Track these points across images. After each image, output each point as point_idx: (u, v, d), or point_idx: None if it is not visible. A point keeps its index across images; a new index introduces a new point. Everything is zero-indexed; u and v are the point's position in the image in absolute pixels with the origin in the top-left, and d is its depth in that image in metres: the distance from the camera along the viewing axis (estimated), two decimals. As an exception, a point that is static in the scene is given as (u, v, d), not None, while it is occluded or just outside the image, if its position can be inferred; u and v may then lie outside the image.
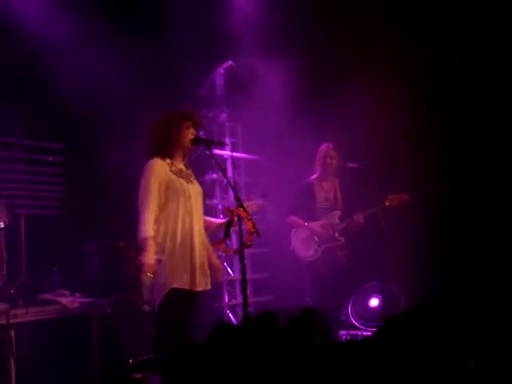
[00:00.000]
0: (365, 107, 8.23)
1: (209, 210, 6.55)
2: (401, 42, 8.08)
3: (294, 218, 7.11)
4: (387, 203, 6.97)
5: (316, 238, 7.05)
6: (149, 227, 5.07)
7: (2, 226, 6.38)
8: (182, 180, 5.29)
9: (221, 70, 8.75)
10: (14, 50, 7.47)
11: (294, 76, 8.00)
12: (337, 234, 7.04)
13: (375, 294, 8.23)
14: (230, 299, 8.75)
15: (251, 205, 5.68)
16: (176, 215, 5.20)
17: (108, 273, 7.38)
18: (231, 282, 8.84)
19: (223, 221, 5.83)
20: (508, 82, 7.91)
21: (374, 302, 8.26)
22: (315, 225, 7.09)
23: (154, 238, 5.10)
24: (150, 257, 5.02)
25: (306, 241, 7.09)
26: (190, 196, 5.29)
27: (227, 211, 5.38)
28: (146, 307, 5.07)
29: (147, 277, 5.00)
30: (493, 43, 7.91)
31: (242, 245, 5.19)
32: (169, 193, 5.20)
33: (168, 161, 5.29)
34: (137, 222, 5.10)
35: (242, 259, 5.29)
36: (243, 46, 8.25)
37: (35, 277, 7.29)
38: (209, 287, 5.40)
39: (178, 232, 5.18)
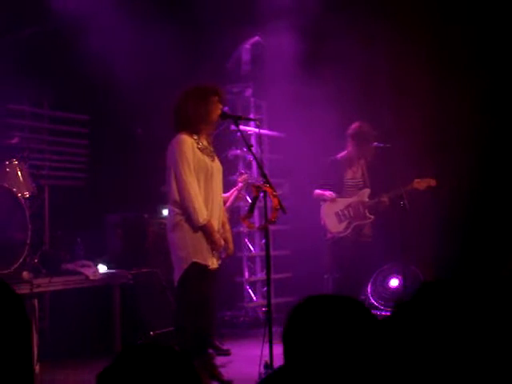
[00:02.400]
0: (392, 84, 8.18)
1: (231, 186, 6.56)
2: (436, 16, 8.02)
3: (321, 192, 7.05)
4: (414, 186, 6.92)
5: (350, 212, 7.00)
6: (204, 211, 5.16)
7: (28, 195, 6.42)
8: (206, 157, 5.30)
9: (247, 46, 8.71)
10: (42, 22, 7.48)
11: (321, 54, 7.96)
12: (367, 212, 7.01)
13: (395, 275, 8.22)
14: (250, 275, 8.78)
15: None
16: (200, 192, 5.23)
17: (131, 245, 7.42)
18: (251, 258, 8.86)
19: (235, 193, 5.90)
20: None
21: (394, 283, 8.25)
22: (348, 200, 7.05)
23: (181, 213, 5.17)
24: (218, 237, 5.21)
25: (337, 215, 7.04)
26: (212, 174, 5.31)
27: (253, 187, 5.38)
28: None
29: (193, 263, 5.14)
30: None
31: (267, 221, 5.19)
32: (194, 170, 5.21)
33: (195, 137, 5.30)
34: (185, 204, 5.14)
35: (266, 235, 5.32)
36: (270, 22, 8.19)
37: (58, 247, 7.35)
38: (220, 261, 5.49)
39: (203, 209, 5.24)
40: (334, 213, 7.05)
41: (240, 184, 6.39)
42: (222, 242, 5.28)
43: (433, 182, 7.01)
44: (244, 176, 6.47)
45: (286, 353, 1.88)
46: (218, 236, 5.20)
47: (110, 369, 1.59)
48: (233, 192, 6.39)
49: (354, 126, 7.05)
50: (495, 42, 7.95)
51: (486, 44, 7.91)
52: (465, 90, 7.90)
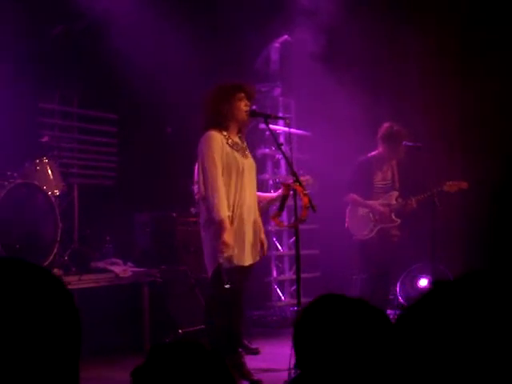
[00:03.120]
0: (422, 84, 8.13)
1: (259, 185, 6.54)
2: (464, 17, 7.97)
3: (354, 196, 6.98)
4: (445, 188, 6.86)
5: (373, 216, 6.95)
6: (224, 207, 5.10)
7: (58, 193, 6.47)
8: (236, 154, 5.29)
9: (276, 45, 8.70)
10: (73, 20, 7.53)
11: (350, 53, 7.93)
12: (393, 215, 6.95)
13: (425, 275, 8.16)
14: (278, 274, 8.76)
15: (307, 180, 5.63)
16: (228, 189, 5.21)
17: (159, 243, 7.44)
18: (280, 258, 8.85)
19: (274, 195, 5.81)
20: None
21: (423, 283, 8.19)
22: (375, 203, 6.98)
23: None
24: (230, 237, 5.08)
25: (361, 219, 6.99)
26: (243, 170, 5.29)
27: (283, 185, 5.36)
28: (227, 286, 5.10)
29: (225, 256, 5.06)
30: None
31: (297, 219, 5.17)
32: (223, 166, 5.21)
33: (225, 133, 5.29)
34: (208, 199, 5.12)
35: (296, 234, 5.27)
36: (298, 20, 8.17)
37: (87, 245, 7.40)
38: (257, 259, 5.43)
39: (231, 205, 5.20)
40: (358, 216, 7.01)
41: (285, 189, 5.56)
42: (232, 245, 5.12)
43: (464, 185, 6.94)
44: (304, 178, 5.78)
45: (297, 352, 1.86)
46: (228, 238, 5.06)
47: (145, 366, 1.58)
48: (273, 195, 6.23)
49: (385, 126, 6.95)
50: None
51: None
52: (494, 90, 7.82)
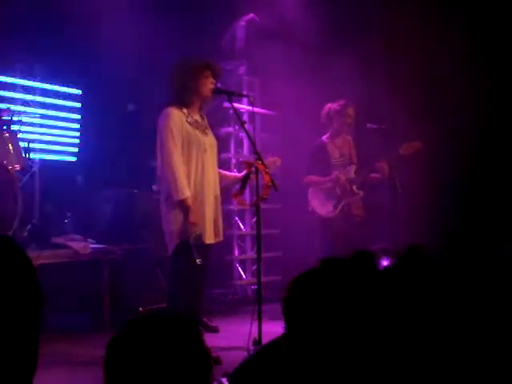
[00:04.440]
0: (387, 64, 8.14)
1: (222, 164, 6.53)
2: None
3: (311, 178, 7.04)
4: (401, 152, 6.84)
5: (338, 191, 6.97)
6: (185, 186, 5.08)
7: (18, 168, 6.40)
8: (197, 132, 5.26)
9: (242, 23, 8.66)
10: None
11: (316, 34, 7.91)
12: (354, 188, 6.99)
13: (384, 256, 8.22)
14: (240, 253, 8.79)
15: (275, 161, 5.59)
16: (189, 167, 5.18)
17: (121, 220, 7.40)
18: (242, 237, 8.87)
19: (240, 175, 5.79)
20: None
21: (383, 263, 8.25)
22: (333, 174, 7.02)
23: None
24: (194, 216, 5.08)
25: (324, 198, 7.03)
26: (205, 149, 5.27)
27: (245, 164, 5.35)
28: (199, 261, 5.09)
29: (193, 236, 5.05)
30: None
31: (259, 198, 5.16)
32: (183, 144, 5.18)
33: (184, 110, 5.25)
34: (167, 179, 5.10)
35: (257, 212, 5.27)
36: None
37: (48, 221, 7.34)
38: (220, 239, 5.42)
39: (192, 184, 5.18)
40: (321, 194, 7.05)
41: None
42: (197, 223, 5.12)
43: (418, 145, 6.88)
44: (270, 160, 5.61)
45: (287, 317, 1.85)
46: (192, 217, 5.07)
47: (120, 337, 1.59)
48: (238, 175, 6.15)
49: (338, 104, 7.06)
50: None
51: (484, 25, 7.83)
52: (457, 55, 7.80)
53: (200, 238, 5.13)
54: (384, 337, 1.48)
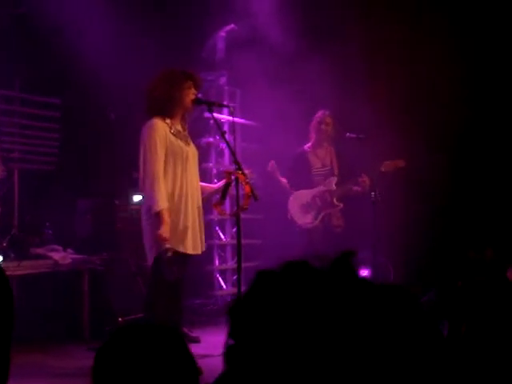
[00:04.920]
0: (367, 74, 8.18)
1: (203, 174, 6.52)
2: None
3: (283, 182, 7.12)
4: (383, 169, 6.91)
5: (318, 202, 7.00)
6: (163, 198, 5.05)
7: (-3, 178, 6.37)
8: (180, 142, 5.27)
9: (222, 33, 8.68)
10: (14, 3, 7.39)
11: (296, 44, 7.95)
12: (335, 200, 7.03)
13: (365, 265, 8.24)
14: (220, 263, 8.77)
15: (250, 173, 5.58)
16: (173, 178, 5.18)
17: (100, 230, 7.37)
18: (222, 247, 8.86)
19: (219, 185, 5.78)
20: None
21: (363, 273, 8.29)
22: (314, 190, 7.06)
23: None
24: (166, 230, 5.02)
25: (304, 207, 7.06)
26: (187, 158, 5.28)
27: (226, 173, 5.35)
28: (169, 276, 5.07)
29: (166, 249, 5.02)
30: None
31: (239, 208, 5.16)
32: (167, 155, 5.17)
33: (168, 121, 5.26)
34: (146, 189, 5.09)
35: (238, 223, 5.27)
36: (246, 10, 8.17)
37: (27, 231, 7.29)
38: (199, 252, 5.40)
39: (175, 195, 5.17)
40: (300, 204, 7.08)
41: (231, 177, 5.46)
42: (167, 238, 5.05)
43: (401, 163, 6.99)
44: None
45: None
46: (164, 231, 5.00)
47: (108, 346, 1.58)
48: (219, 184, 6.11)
49: (317, 114, 7.15)
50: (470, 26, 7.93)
51: (462, 31, 7.89)
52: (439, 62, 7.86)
53: (170, 251, 5.10)
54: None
